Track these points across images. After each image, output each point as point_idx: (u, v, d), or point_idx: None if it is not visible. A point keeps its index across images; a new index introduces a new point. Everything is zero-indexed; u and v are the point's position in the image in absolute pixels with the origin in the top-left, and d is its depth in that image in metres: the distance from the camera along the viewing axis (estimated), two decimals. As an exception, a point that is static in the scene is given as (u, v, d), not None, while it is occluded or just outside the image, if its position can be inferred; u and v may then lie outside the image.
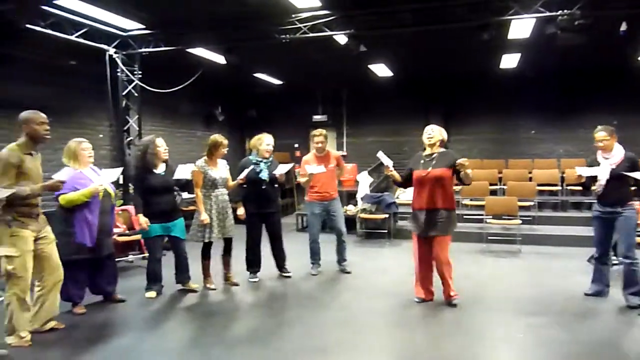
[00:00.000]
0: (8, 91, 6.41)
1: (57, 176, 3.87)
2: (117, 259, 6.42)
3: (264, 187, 5.60)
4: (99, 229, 4.60)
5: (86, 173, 4.61)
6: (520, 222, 7.51)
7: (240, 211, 5.63)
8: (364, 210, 8.50)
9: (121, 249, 6.67)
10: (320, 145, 5.94)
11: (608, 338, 4.05)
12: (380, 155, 4.86)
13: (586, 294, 5.01)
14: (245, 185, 5.59)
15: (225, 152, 5.45)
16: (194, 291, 5.36)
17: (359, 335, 4.14)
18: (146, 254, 6.87)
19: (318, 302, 5.09)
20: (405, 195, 9.44)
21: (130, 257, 6.88)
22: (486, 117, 11.59)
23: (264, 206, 5.66)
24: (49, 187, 3.84)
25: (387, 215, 8.24)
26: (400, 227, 8.68)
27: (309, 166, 5.79)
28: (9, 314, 3.84)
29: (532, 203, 8.49)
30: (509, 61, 9.82)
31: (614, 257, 5.29)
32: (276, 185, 5.76)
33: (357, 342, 4.01)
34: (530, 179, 9.65)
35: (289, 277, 5.91)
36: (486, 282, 5.73)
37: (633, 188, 4.64)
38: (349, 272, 6.10)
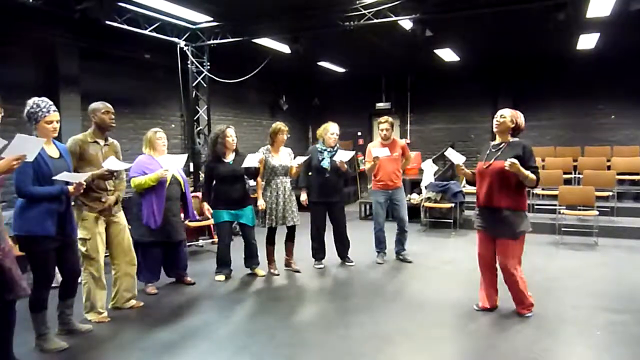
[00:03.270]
0: (90, 85, 6.84)
1: (106, 165, 3.94)
2: (188, 244, 6.78)
3: (327, 175, 5.65)
4: (167, 214, 4.83)
5: (160, 159, 4.86)
6: (598, 213, 7.10)
7: (303, 197, 5.71)
8: (428, 199, 8.35)
9: (192, 234, 7.00)
10: (385, 132, 5.90)
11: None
12: (450, 152, 4.37)
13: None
14: (310, 174, 5.69)
15: (285, 138, 5.52)
16: (261, 276, 5.52)
17: (424, 326, 4.10)
18: (216, 239, 7.20)
19: (382, 290, 5.08)
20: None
21: (201, 242, 7.20)
22: (560, 101, 10.98)
23: (327, 195, 5.71)
24: (97, 176, 3.91)
25: (452, 205, 8.05)
26: (466, 217, 8.46)
27: (374, 149, 5.78)
28: (87, 292, 4.14)
29: (610, 193, 7.99)
30: (587, 42, 9.19)
31: None
32: (340, 174, 5.78)
33: (422, 332, 3.98)
34: (609, 167, 9.08)
35: (351, 265, 5.95)
36: (560, 275, 5.48)
37: None
38: (409, 262, 6.05)
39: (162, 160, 4.84)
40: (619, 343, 3.66)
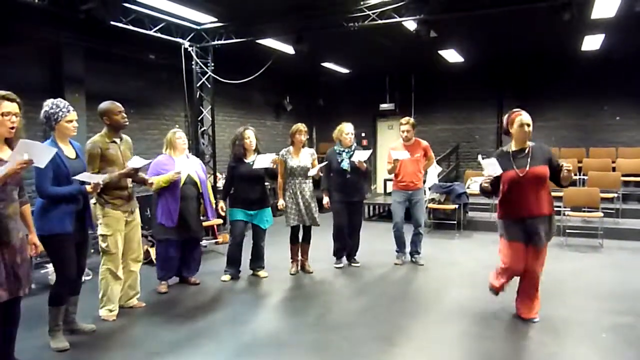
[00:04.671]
0: (95, 85, 6.86)
1: (131, 164, 4.09)
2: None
3: (348, 176, 5.67)
4: (182, 213, 4.89)
5: (178, 160, 4.97)
6: (602, 214, 7.08)
7: (325, 200, 5.75)
8: (432, 200, 8.34)
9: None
10: (406, 134, 5.89)
11: None
12: (491, 163, 3.92)
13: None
14: (331, 175, 5.74)
15: (303, 139, 5.54)
16: (263, 278, 5.52)
17: (428, 327, 4.10)
18: (220, 239, 7.23)
19: (387, 291, 5.08)
20: (476, 185, 9.15)
21: (204, 242, 7.19)
22: (565, 103, 10.93)
23: (349, 195, 5.73)
24: (124, 174, 4.08)
25: (456, 206, 8.04)
26: (470, 218, 8.45)
27: (394, 151, 5.77)
28: (104, 288, 4.20)
29: (615, 195, 7.96)
30: (591, 43, 9.16)
31: None
32: (360, 173, 5.77)
33: (426, 333, 3.97)
34: (614, 169, 9.05)
35: (357, 266, 5.96)
36: (565, 277, 5.45)
37: None
38: (421, 265, 6.03)
39: (177, 162, 4.94)
40: (625, 345, 3.64)
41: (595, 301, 4.62)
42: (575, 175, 9.11)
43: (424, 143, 6.10)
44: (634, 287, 5.02)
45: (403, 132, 5.90)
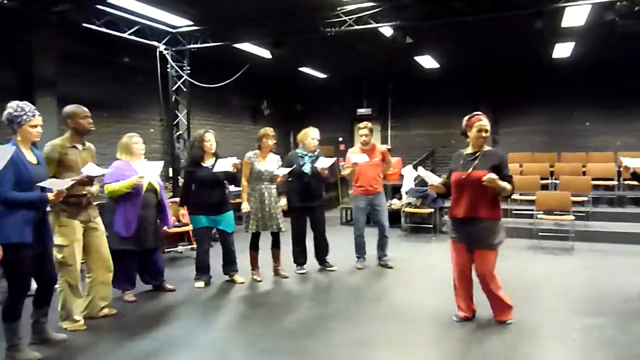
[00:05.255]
0: (68, 88, 6.72)
1: (85, 170, 3.82)
2: (167, 250, 6.67)
3: (306, 180, 5.64)
4: (141, 222, 4.72)
5: (135, 165, 4.72)
6: (574, 217, 7.22)
7: (282, 202, 5.57)
8: (408, 205, 8.41)
9: (171, 240, 6.90)
10: (365, 138, 5.92)
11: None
12: (428, 175, 4.27)
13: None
14: (290, 179, 5.65)
15: (271, 143, 5.46)
16: (239, 283, 5.45)
17: (404, 330, 4.11)
18: (195, 245, 7.11)
19: (363, 296, 5.09)
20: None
21: (180, 248, 7.10)
22: (538, 108, 11.19)
23: (308, 200, 5.69)
24: (79, 182, 3.77)
25: (432, 210, 8.12)
26: (446, 222, 8.53)
27: (353, 155, 5.80)
28: (62, 301, 4.03)
29: (586, 198, 8.15)
30: (562, 50, 9.43)
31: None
32: (321, 180, 5.76)
33: (402, 336, 3.98)
34: (584, 173, 9.28)
35: (332, 270, 5.94)
36: (537, 279, 5.55)
37: None
38: (390, 267, 6.05)
39: (138, 167, 4.71)
40: (595, 346, 3.72)
41: (566, 303, 4.71)
42: (548, 179, 9.32)
43: (382, 147, 6.19)
44: (604, 289, 5.13)
45: (362, 136, 5.95)
